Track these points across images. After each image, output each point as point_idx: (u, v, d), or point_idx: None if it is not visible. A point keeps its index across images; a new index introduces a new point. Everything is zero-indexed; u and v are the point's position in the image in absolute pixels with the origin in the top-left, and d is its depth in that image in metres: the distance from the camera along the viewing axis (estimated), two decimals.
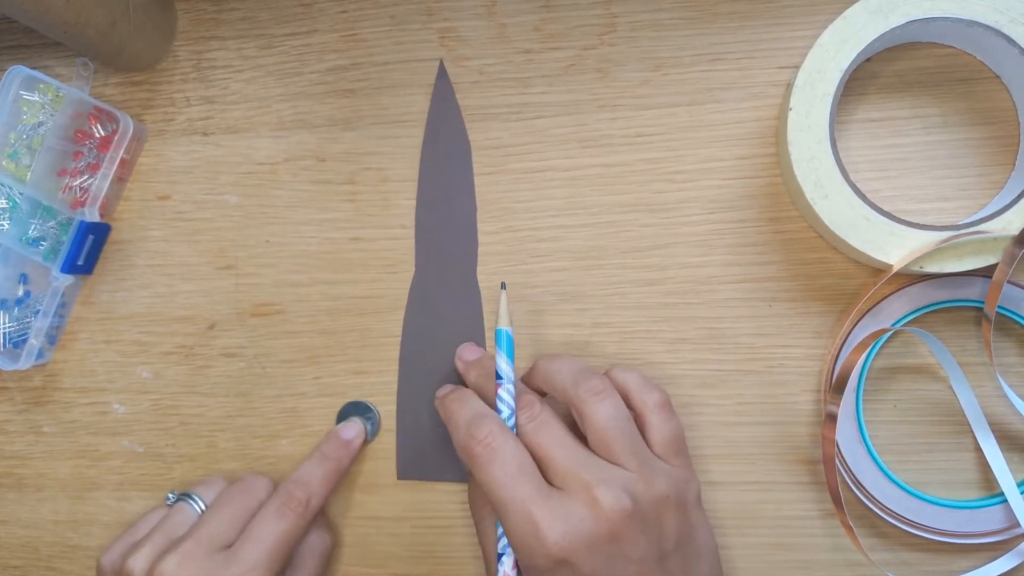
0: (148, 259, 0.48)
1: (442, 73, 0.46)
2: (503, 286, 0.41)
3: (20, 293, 0.48)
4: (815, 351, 0.43)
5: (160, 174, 0.48)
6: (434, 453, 0.46)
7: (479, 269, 0.46)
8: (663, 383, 0.44)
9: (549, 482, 0.37)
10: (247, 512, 0.41)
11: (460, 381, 0.45)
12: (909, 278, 0.42)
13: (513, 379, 0.40)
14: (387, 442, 0.46)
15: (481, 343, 0.45)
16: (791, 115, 0.40)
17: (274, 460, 0.47)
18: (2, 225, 0.47)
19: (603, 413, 0.37)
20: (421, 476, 0.46)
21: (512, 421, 0.39)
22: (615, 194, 0.45)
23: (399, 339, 0.46)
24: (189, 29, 0.48)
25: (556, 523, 0.34)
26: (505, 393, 0.39)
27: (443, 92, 0.46)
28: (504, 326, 0.40)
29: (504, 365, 0.40)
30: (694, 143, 0.44)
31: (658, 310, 0.44)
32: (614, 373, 0.40)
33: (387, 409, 0.46)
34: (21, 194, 0.46)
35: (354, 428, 0.45)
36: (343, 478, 0.45)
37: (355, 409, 0.46)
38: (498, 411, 0.39)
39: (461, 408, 0.39)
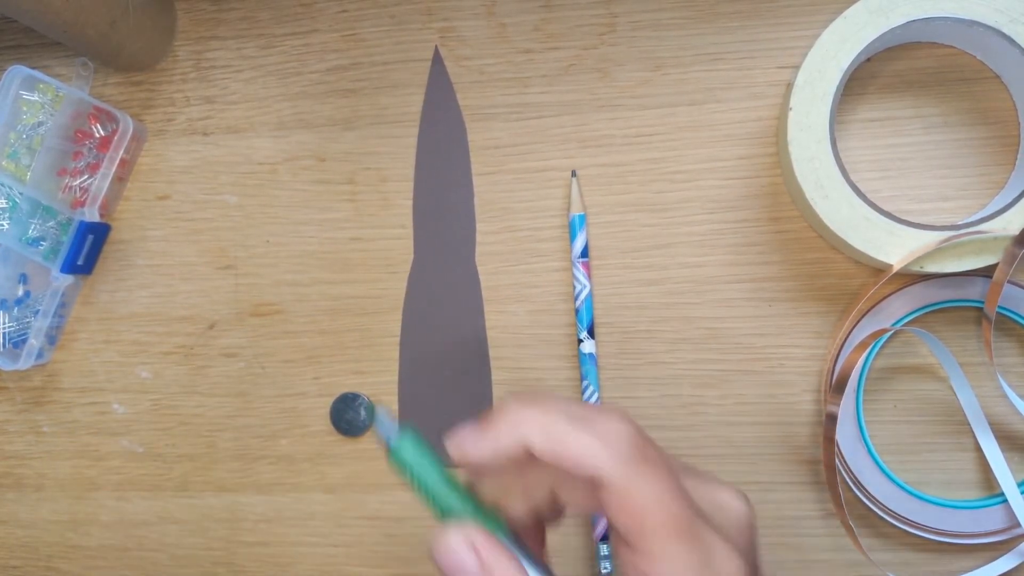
0: (148, 259, 0.48)
1: (437, 59, 0.46)
2: (573, 173, 0.44)
3: (20, 293, 0.48)
4: (815, 351, 0.43)
5: (160, 174, 0.48)
6: (435, 438, 0.46)
7: (480, 269, 0.46)
8: (663, 383, 0.44)
9: None
10: None
11: (459, 365, 0.45)
12: (909, 278, 0.42)
13: (587, 258, 0.44)
14: None
15: (481, 328, 0.45)
16: (791, 115, 0.40)
17: (274, 460, 0.47)
18: (2, 225, 0.47)
19: None
20: None
21: (588, 293, 0.43)
22: (615, 194, 0.45)
23: (399, 339, 0.46)
24: (189, 29, 0.48)
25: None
26: (580, 273, 0.43)
27: (438, 78, 0.46)
28: (577, 211, 0.44)
29: (579, 244, 0.43)
30: (694, 143, 0.44)
31: (658, 310, 0.44)
32: None
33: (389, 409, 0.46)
34: (21, 194, 0.46)
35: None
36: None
37: (345, 402, 0.46)
38: (579, 285, 0.43)
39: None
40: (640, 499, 0.24)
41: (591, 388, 0.44)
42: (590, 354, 0.44)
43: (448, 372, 0.46)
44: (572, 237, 0.44)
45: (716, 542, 0.25)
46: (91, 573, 0.49)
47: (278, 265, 0.47)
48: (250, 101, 0.48)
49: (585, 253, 0.44)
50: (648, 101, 0.45)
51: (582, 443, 0.25)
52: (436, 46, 0.46)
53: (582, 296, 0.44)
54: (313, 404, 0.47)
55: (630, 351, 0.45)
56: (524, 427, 0.25)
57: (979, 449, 0.42)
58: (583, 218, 0.44)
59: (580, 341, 0.44)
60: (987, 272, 0.40)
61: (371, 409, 0.46)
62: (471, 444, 0.26)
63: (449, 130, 0.46)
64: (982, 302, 0.41)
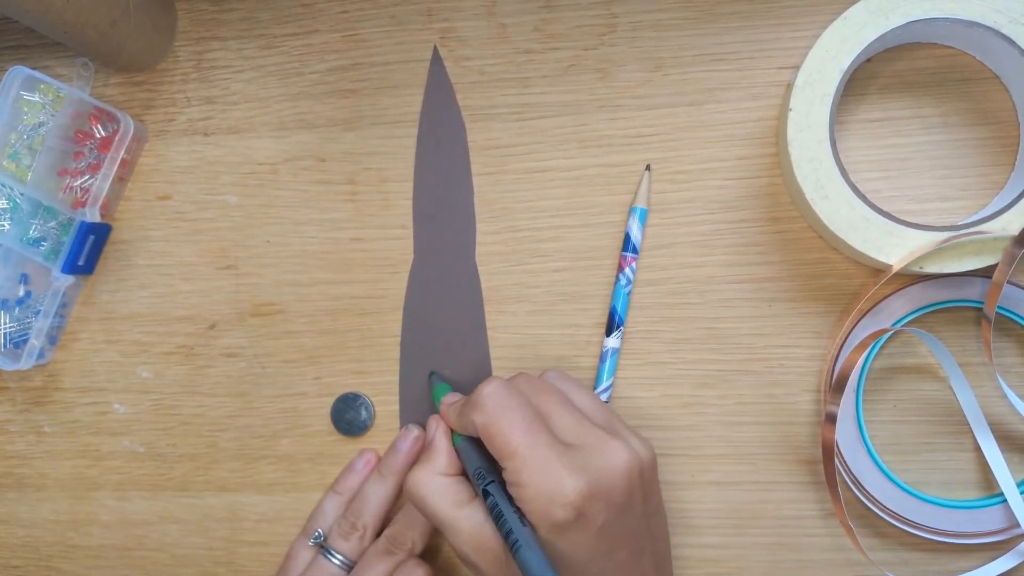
0: (148, 259, 0.49)
1: (436, 59, 0.46)
2: (648, 167, 0.44)
3: (21, 293, 0.48)
4: (815, 351, 0.43)
5: (161, 174, 0.48)
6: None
7: (480, 269, 0.46)
8: (663, 383, 0.44)
9: None
10: None
11: (459, 363, 0.45)
12: (909, 278, 0.42)
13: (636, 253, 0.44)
14: (389, 441, 0.46)
15: (481, 326, 0.46)
16: (791, 115, 0.40)
17: (274, 460, 0.47)
18: (3, 225, 0.47)
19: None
20: None
21: (628, 287, 0.44)
22: (615, 194, 0.45)
23: (399, 339, 0.46)
24: (189, 29, 0.48)
25: (578, 472, 0.34)
26: (629, 271, 0.44)
27: (438, 78, 0.46)
28: (641, 204, 0.44)
29: (637, 235, 0.43)
30: (694, 143, 0.44)
31: (658, 310, 0.44)
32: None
33: (389, 409, 0.46)
34: (22, 194, 0.46)
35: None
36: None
37: (346, 402, 0.46)
38: (621, 280, 0.44)
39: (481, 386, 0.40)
40: (495, 431, 0.36)
41: (607, 383, 0.44)
42: (614, 349, 0.44)
43: (448, 371, 0.46)
44: (637, 230, 0.44)
45: (561, 470, 0.34)
46: (92, 573, 0.49)
47: (279, 265, 0.47)
48: (251, 101, 0.48)
49: (635, 249, 0.44)
50: (648, 101, 0.45)
51: (465, 417, 0.37)
52: (435, 46, 0.46)
53: (624, 290, 0.44)
54: (314, 404, 0.47)
55: (630, 351, 0.45)
56: (447, 419, 0.41)
57: (979, 449, 0.42)
58: (644, 213, 0.44)
59: (612, 334, 0.44)
60: (987, 272, 0.40)
61: (370, 411, 0.46)
62: (446, 408, 0.42)
63: (449, 130, 0.46)
64: (982, 302, 0.41)
